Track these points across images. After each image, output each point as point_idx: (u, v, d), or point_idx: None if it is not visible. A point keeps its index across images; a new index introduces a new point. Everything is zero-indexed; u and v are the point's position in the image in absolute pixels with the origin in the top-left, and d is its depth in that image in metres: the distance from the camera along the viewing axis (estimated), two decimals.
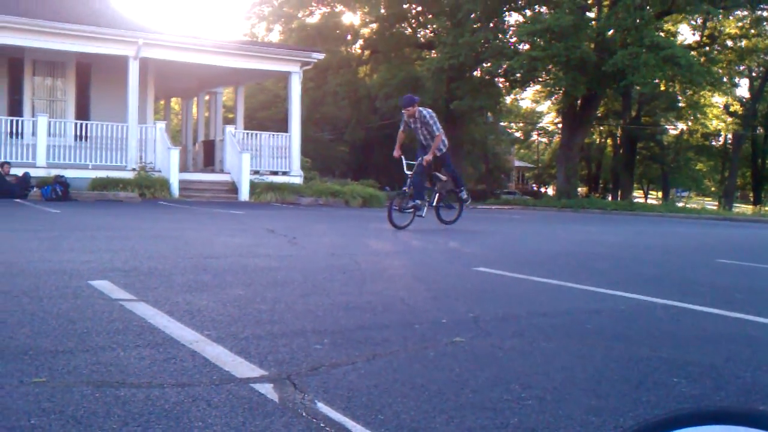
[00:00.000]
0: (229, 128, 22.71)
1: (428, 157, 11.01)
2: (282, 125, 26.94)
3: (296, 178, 22.45)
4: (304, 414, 2.48)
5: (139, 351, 3.22)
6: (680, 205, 40.37)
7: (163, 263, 6.17)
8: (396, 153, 11.32)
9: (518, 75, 35.22)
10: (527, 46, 32.69)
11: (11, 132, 19.17)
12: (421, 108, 11.18)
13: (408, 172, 11.12)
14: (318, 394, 2.69)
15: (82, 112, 21.65)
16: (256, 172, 21.57)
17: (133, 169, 19.69)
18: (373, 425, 2.41)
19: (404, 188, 11.28)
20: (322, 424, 2.38)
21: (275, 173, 22.34)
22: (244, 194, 20.44)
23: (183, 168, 22.52)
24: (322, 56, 24.13)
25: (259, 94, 46.53)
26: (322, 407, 2.55)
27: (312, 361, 3.18)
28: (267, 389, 2.73)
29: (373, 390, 2.79)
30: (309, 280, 5.59)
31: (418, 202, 11.30)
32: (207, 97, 29.16)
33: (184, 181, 20.31)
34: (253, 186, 20.65)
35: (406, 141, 11.95)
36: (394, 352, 3.41)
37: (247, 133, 23.35)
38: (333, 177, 35.03)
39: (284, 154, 22.76)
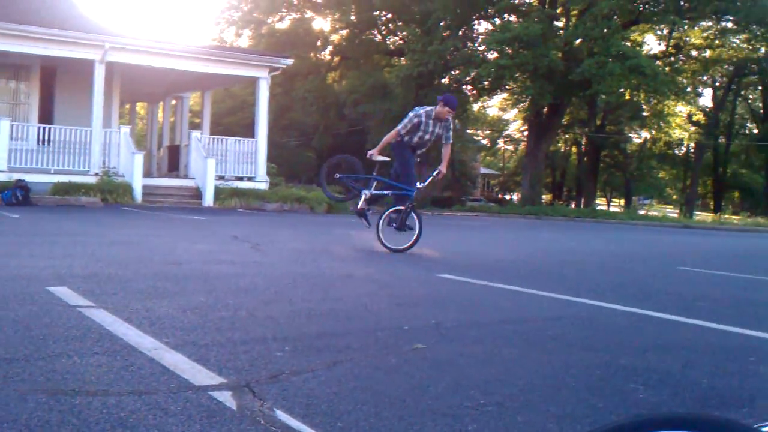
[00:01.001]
0: (195, 133, 22.54)
1: (444, 169, 9.26)
2: (249, 131, 26.78)
3: (262, 184, 22.34)
4: (262, 422, 2.46)
5: (96, 358, 3.17)
6: (642, 212, 40.90)
7: (123, 269, 6.10)
8: (378, 155, 9.13)
9: (486, 83, 35.39)
10: (495, 54, 32.89)
11: None
12: None
13: (420, 185, 9.09)
14: (277, 402, 2.67)
15: (46, 116, 21.33)
16: (222, 178, 21.41)
17: (96, 174, 19.44)
18: None
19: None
20: None
21: (241, 179, 22.21)
22: (209, 200, 20.28)
23: (147, 173, 22.31)
24: (290, 62, 24.07)
25: (226, 99, 46.27)
26: (281, 415, 2.54)
27: (272, 368, 3.16)
28: (225, 397, 2.71)
29: (333, 397, 2.78)
30: (272, 287, 5.57)
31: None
32: (174, 102, 28.93)
33: (147, 186, 20.11)
34: (218, 191, 20.50)
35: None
36: (355, 359, 3.41)
37: (213, 139, 23.18)
38: (299, 183, 34.78)
39: (250, 160, 22.62)
